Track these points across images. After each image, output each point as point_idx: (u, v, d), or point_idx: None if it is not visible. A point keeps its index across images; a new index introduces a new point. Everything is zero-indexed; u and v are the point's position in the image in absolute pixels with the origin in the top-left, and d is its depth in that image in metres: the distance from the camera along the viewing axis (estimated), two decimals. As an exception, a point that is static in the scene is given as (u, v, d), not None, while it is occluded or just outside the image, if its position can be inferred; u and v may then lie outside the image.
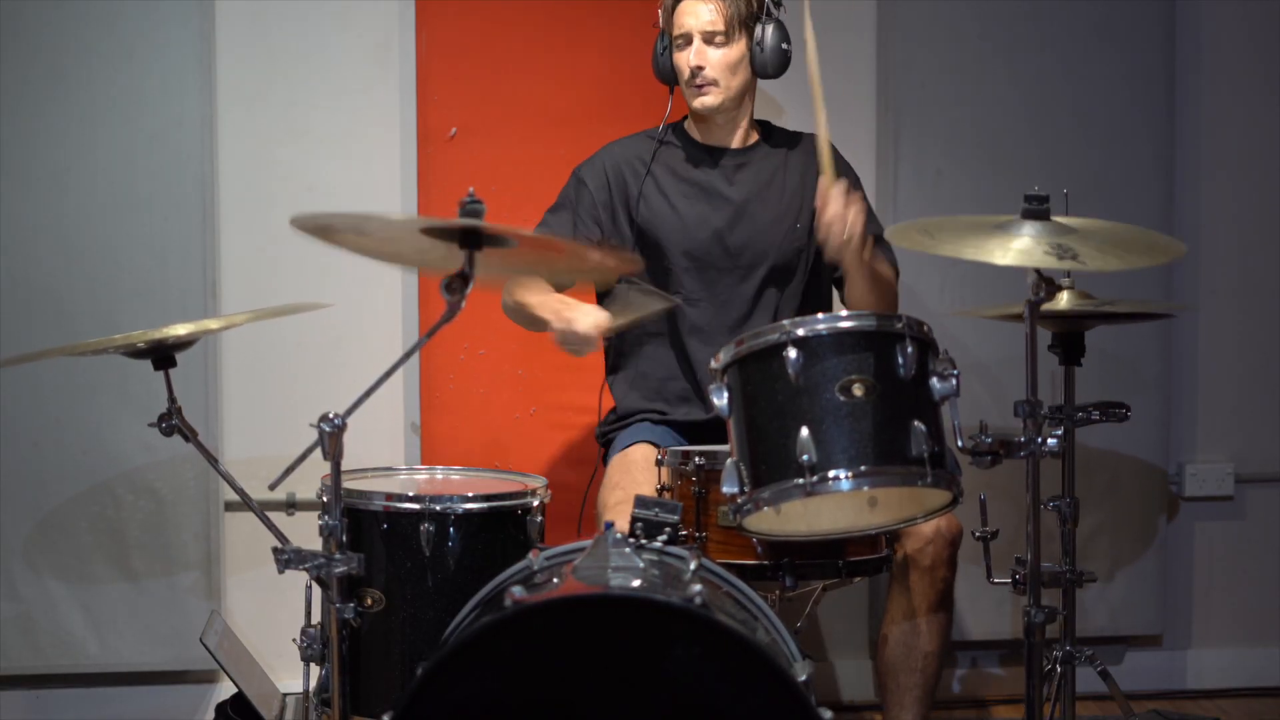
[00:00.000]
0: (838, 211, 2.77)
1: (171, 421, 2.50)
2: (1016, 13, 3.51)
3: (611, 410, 3.14)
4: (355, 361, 3.40)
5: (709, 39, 2.94)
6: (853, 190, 2.92)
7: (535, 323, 2.89)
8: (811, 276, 3.06)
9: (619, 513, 2.75)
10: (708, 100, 2.97)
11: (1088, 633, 3.49)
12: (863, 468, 2.26)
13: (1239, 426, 3.70)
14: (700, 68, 2.95)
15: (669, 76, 3.06)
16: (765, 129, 3.14)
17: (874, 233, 3.00)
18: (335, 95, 3.41)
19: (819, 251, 2.94)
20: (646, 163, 3.04)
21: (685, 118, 3.13)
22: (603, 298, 2.97)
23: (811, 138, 3.15)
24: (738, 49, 2.95)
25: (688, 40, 2.96)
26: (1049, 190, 2.36)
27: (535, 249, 2.41)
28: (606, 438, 3.10)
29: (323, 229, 2.23)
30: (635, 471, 2.87)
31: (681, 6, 2.97)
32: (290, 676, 3.03)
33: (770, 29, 2.96)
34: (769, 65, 2.97)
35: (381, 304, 3.43)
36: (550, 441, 3.53)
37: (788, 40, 2.97)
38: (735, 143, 3.07)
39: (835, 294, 3.12)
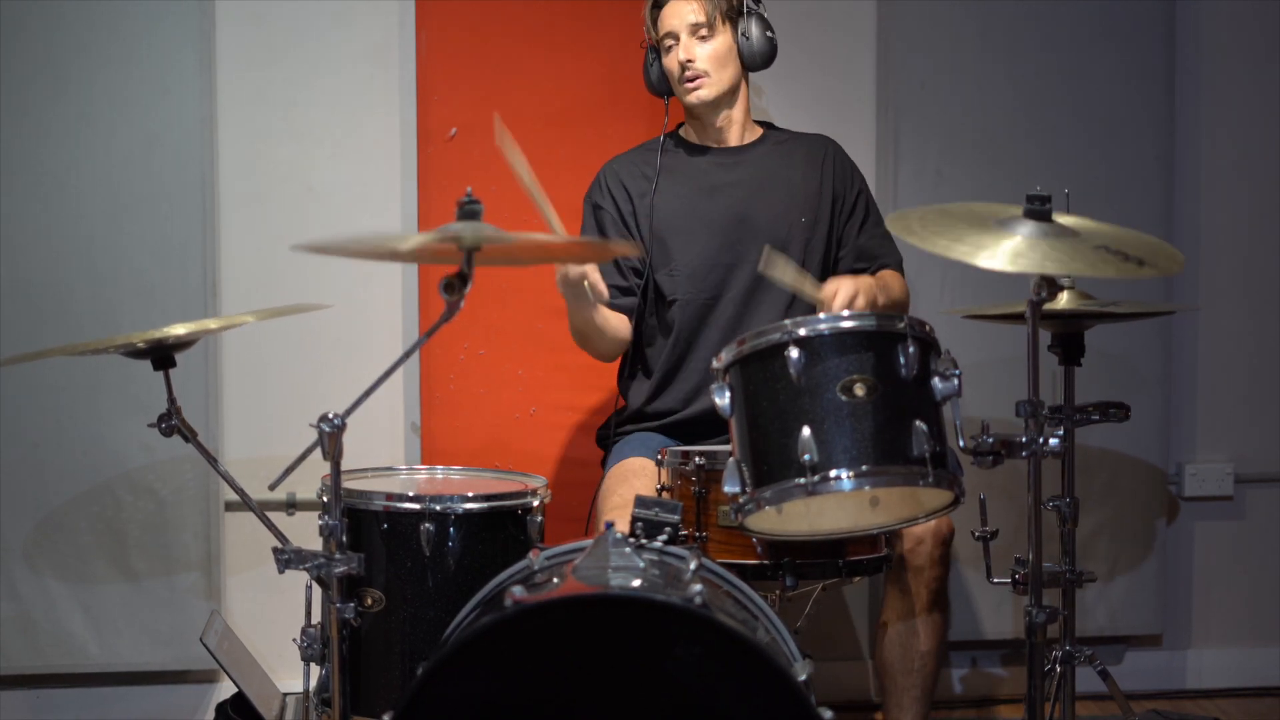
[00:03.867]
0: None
1: (171, 422, 2.50)
2: (1016, 13, 3.51)
3: (615, 412, 3.14)
4: (355, 361, 3.40)
5: (694, 32, 2.97)
6: (854, 184, 3.02)
7: (579, 320, 2.93)
8: (819, 270, 3.06)
9: (616, 516, 2.76)
10: (701, 93, 2.99)
11: (1088, 633, 3.49)
12: (864, 467, 2.26)
13: (1239, 426, 3.70)
14: (690, 61, 2.97)
15: (662, 88, 3.09)
16: (768, 129, 3.15)
17: (893, 263, 3.08)
18: (335, 95, 3.41)
19: (826, 246, 3.02)
20: (650, 173, 3.06)
21: (681, 125, 3.15)
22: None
23: (821, 138, 3.15)
24: (724, 41, 2.98)
25: (674, 39, 2.99)
26: (1049, 190, 2.36)
27: (534, 245, 2.41)
28: (607, 443, 3.11)
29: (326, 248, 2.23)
30: (633, 478, 2.88)
31: (664, 10, 3.01)
32: (290, 676, 3.03)
33: (753, 21, 2.99)
34: (757, 56, 3.00)
35: (381, 304, 3.43)
36: (550, 441, 3.53)
37: (772, 30, 3.01)
38: (733, 140, 3.09)
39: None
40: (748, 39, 2.98)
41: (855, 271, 3.02)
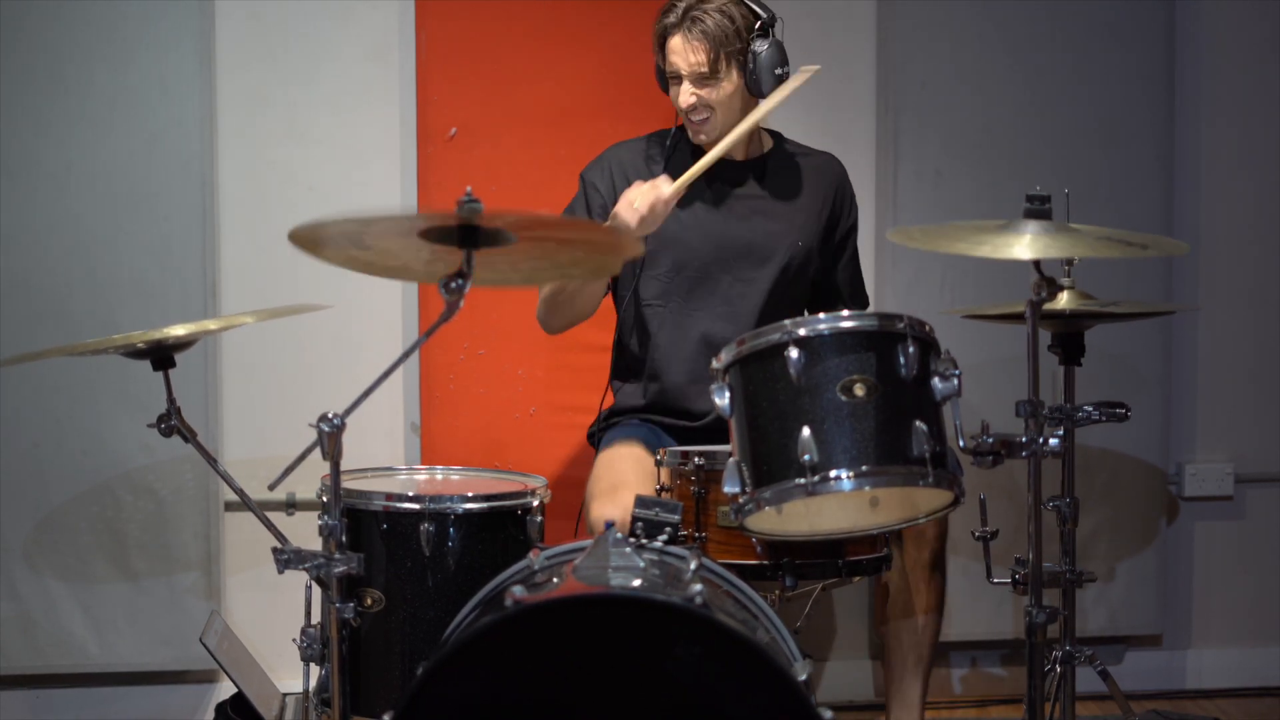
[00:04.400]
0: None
1: (171, 422, 2.49)
2: (1017, 13, 3.51)
3: (604, 411, 3.14)
4: (355, 361, 3.40)
5: (698, 81, 2.91)
6: (848, 216, 3.09)
7: (565, 305, 2.92)
8: (808, 289, 3.09)
9: (605, 501, 2.78)
10: (703, 137, 2.97)
11: (1087, 633, 3.49)
12: (864, 468, 2.26)
13: (1239, 426, 3.70)
14: (693, 106, 2.93)
15: None
16: (778, 140, 3.12)
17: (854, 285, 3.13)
18: (335, 95, 3.41)
19: (812, 272, 3.04)
20: (656, 172, 3.03)
21: None
22: None
23: (828, 157, 3.14)
24: (729, 84, 2.92)
25: (678, 79, 2.94)
26: (1049, 190, 2.36)
27: (534, 246, 2.40)
28: (596, 438, 3.11)
29: (321, 240, 2.21)
30: (620, 463, 2.88)
31: (670, 44, 2.92)
32: (290, 676, 3.03)
33: (764, 53, 2.88)
34: (764, 88, 2.91)
35: (381, 304, 3.43)
36: (550, 441, 3.53)
37: (784, 63, 2.91)
38: (739, 155, 3.05)
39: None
40: (756, 76, 2.89)
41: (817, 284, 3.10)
